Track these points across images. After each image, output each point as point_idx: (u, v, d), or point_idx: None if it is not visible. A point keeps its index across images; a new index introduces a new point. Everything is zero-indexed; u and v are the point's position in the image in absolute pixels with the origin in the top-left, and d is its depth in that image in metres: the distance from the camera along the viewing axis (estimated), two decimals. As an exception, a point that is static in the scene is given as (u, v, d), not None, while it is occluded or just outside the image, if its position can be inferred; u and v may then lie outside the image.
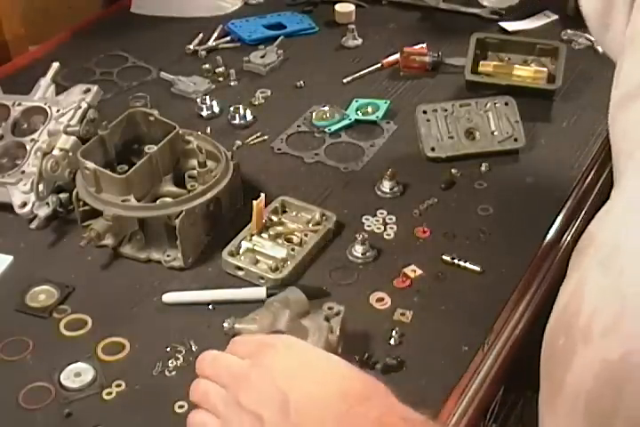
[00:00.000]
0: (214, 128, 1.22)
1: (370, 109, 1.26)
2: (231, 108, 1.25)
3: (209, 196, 0.98)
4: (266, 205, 1.02)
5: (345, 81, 1.35)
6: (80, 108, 1.09)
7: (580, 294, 0.62)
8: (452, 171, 1.13)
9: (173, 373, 0.87)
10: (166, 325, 0.93)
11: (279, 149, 1.20)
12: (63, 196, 1.05)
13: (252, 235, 1.01)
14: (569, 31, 1.45)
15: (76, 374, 0.86)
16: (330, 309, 0.87)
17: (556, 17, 1.51)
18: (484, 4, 1.54)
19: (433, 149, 1.16)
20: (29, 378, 0.86)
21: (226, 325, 0.86)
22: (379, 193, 1.11)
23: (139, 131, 1.06)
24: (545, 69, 1.31)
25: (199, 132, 1.08)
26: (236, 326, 0.85)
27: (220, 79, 1.35)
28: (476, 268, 0.98)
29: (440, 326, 0.92)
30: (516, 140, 1.17)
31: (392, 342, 0.90)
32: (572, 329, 0.62)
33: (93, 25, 1.54)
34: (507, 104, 1.19)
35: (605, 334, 0.55)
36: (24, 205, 1.05)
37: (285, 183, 1.12)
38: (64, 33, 1.51)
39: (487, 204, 1.08)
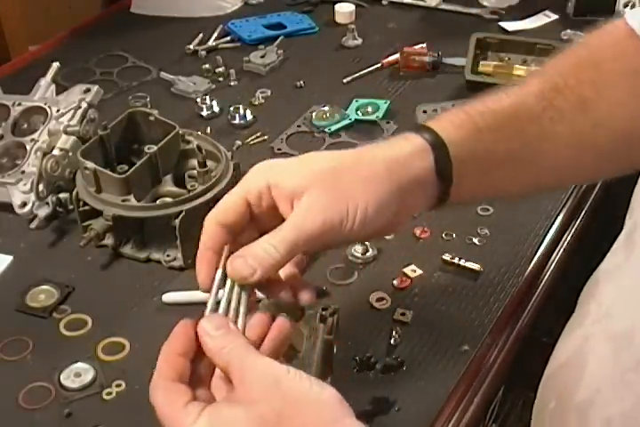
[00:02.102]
0: (214, 128, 1.22)
1: (370, 109, 1.26)
2: (231, 108, 1.25)
3: (209, 196, 0.98)
4: (266, 205, 1.02)
5: (345, 81, 1.35)
6: (80, 108, 1.09)
7: (583, 362, 0.60)
8: (452, 171, 1.13)
9: (173, 373, 0.87)
10: (166, 325, 0.92)
11: (279, 149, 1.20)
12: (63, 196, 1.05)
13: (251, 235, 1.00)
14: (569, 31, 1.45)
15: (76, 374, 0.86)
16: (324, 309, 0.87)
17: (556, 17, 1.51)
18: (484, 4, 1.55)
19: (433, 149, 1.16)
20: (29, 378, 0.86)
21: None
22: (379, 193, 1.11)
23: (139, 131, 1.06)
24: (545, 69, 1.31)
25: (199, 132, 1.08)
26: None
27: (220, 79, 1.35)
28: (476, 268, 0.98)
29: (440, 326, 0.92)
30: (516, 140, 1.17)
31: (392, 342, 0.90)
32: (565, 400, 0.60)
33: (93, 25, 1.54)
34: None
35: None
36: (24, 205, 1.05)
37: (285, 183, 1.12)
38: (64, 33, 1.51)
39: (487, 204, 1.08)
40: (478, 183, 0.70)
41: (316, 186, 0.63)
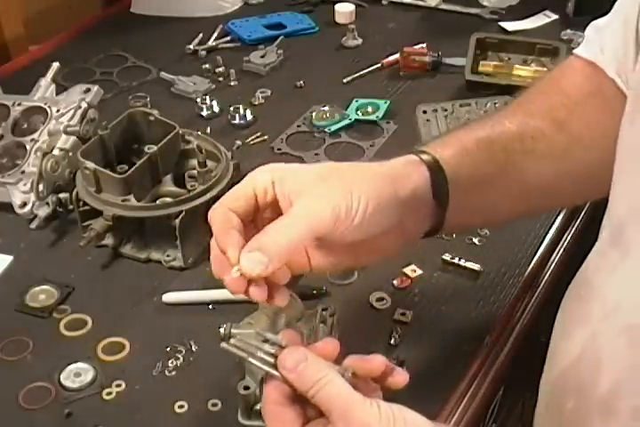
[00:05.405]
0: (214, 128, 1.23)
1: (370, 109, 1.26)
2: (231, 108, 1.25)
3: (209, 196, 0.98)
4: (266, 205, 1.02)
5: (345, 81, 1.35)
6: (80, 108, 1.09)
7: (596, 357, 0.60)
8: (452, 171, 1.13)
9: (173, 373, 0.87)
10: (166, 325, 0.93)
11: (279, 149, 1.20)
12: (63, 196, 1.05)
13: (251, 235, 1.00)
14: (569, 31, 1.45)
15: (76, 374, 0.86)
16: (324, 310, 0.87)
17: (556, 17, 1.51)
18: (484, 4, 1.55)
19: (433, 149, 1.16)
20: (29, 378, 0.86)
21: (222, 330, 0.85)
22: (379, 193, 1.11)
23: (139, 131, 1.06)
24: (545, 69, 1.31)
25: (199, 132, 1.08)
26: (233, 331, 0.84)
27: (220, 79, 1.35)
28: (476, 268, 0.98)
29: (440, 326, 0.92)
30: (515, 140, 1.17)
31: (392, 342, 0.90)
32: (586, 396, 0.60)
33: (93, 25, 1.55)
34: (507, 104, 1.19)
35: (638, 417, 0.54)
36: (24, 205, 1.05)
37: (285, 183, 1.12)
38: (64, 33, 1.51)
39: (487, 204, 1.08)
40: (469, 202, 0.73)
41: (320, 180, 0.64)
